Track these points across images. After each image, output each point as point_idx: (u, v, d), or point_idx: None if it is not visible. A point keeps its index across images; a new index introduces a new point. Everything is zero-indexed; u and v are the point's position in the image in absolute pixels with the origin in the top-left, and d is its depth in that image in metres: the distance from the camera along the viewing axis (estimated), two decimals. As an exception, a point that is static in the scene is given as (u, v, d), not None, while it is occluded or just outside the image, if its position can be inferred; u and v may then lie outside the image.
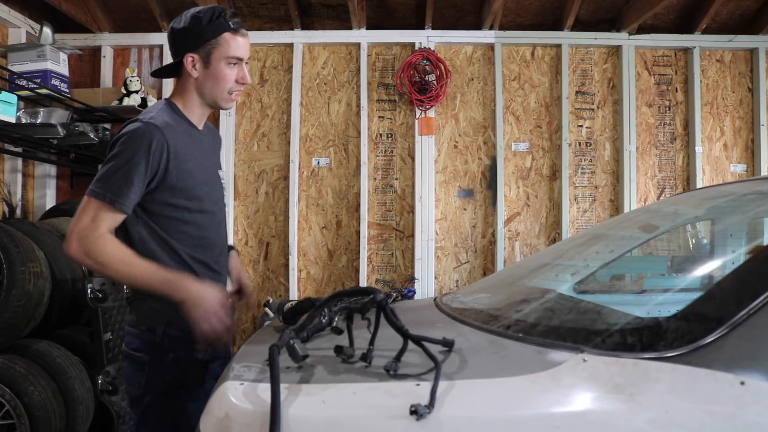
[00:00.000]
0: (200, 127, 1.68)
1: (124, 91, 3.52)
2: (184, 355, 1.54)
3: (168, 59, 3.75)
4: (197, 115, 1.65)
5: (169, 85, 3.79)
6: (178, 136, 1.54)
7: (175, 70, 1.63)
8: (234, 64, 1.59)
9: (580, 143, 3.85)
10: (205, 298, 1.44)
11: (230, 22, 1.56)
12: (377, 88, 3.85)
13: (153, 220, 1.53)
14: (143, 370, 1.54)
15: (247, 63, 1.64)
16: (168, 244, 1.55)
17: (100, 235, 1.43)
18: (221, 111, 3.70)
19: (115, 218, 1.47)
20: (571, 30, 3.81)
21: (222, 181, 1.74)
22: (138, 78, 3.55)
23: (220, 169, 1.77)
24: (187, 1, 3.46)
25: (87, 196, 1.47)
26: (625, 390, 0.94)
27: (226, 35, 1.56)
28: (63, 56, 3.48)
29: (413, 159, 3.79)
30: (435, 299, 1.79)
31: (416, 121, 3.77)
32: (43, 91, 3.25)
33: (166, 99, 1.65)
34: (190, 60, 1.56)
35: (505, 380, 0.99)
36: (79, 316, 3.03)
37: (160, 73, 1.72)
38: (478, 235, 3.82)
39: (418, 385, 0.98)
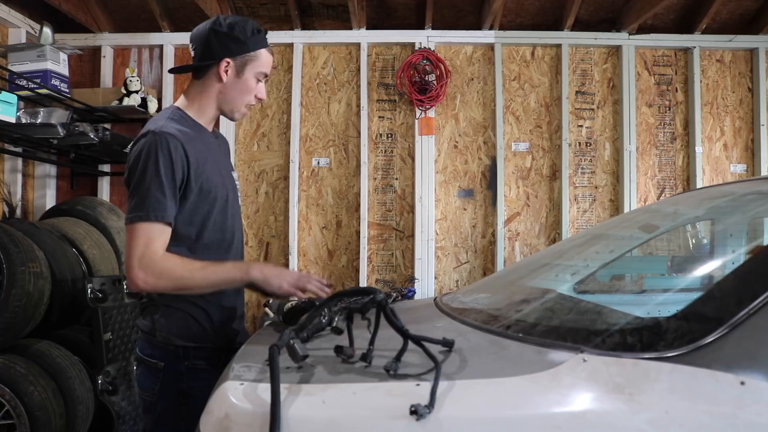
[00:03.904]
0: (210, 130, 1.69)
1: (124, 91, 3.53)
2: (198, 363, 1.55)
3: (168, 58, 3.78)
4: (209, 118, 1.66)
5: (169, 86, 3.79)
6: (191, 142, 1.54)
7: (195, 70, 1.63)
8: (260, 80, 1.63)
9: (580, 143, 3.85)
10: (273, 269, 1.55)
11: (267, 39, 1.63)
12: (377, 88, 3.85)
13: (177, 228, 1.53)
14: (157, 376, 1.54)
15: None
16: (190, 250, 1.55)
17: (162, 256, 1.44)
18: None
19: (166, 234, 1.47)
20: (571, 30, 3.81)
21: (236, 182, 1.75)
22: (138, 78, 3.55)
23: (233, 170, 1.78)
24: (187, 1, 3.46)
25: (130, 223, 1.45)
26: (625, 390, 0.94)
27: (264, 51, 1.62)
28: (63, 56, 3.48)
29: (413, 159, 3.79)
30: (435, 299, 1.79)
31: (416, 121, 3.77)
32: (43, 91, 3.25)
33: (174, 105, 1.64)
34: (225, 65, 1.58)
35: (505, 380, 0.99)
36: (79, 316, 3.03)
37: (180, 70, 1.74)
38: (478, 235, 3.81)
39: (418, 385, 0.98)
